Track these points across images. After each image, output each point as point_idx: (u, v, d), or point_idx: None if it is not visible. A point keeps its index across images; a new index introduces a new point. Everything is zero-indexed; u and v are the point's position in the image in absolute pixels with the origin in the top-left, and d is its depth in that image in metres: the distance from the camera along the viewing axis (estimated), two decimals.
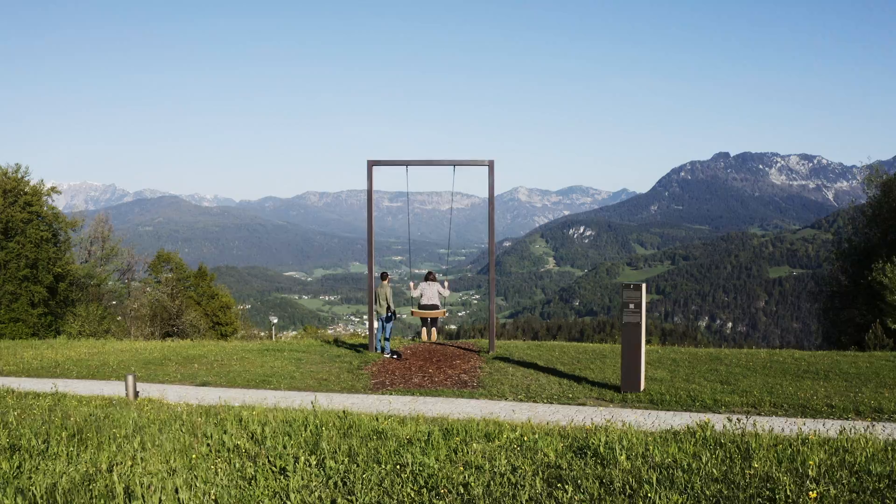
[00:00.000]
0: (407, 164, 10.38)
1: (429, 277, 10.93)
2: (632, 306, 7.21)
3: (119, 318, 28.61)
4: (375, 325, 11.01)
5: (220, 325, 32.72)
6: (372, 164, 10.56)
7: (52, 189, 26.80)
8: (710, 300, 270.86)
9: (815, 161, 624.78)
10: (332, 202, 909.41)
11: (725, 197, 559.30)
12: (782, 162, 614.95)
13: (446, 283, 11.00)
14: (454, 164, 10.44)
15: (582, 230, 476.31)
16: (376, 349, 10.89)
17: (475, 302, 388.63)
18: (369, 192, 10.89)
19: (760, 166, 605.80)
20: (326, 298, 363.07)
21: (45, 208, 25.24)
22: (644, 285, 7.21)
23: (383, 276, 11.23)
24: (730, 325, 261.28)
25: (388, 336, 10.81)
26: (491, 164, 10.41)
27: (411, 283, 11.04)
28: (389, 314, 10.79)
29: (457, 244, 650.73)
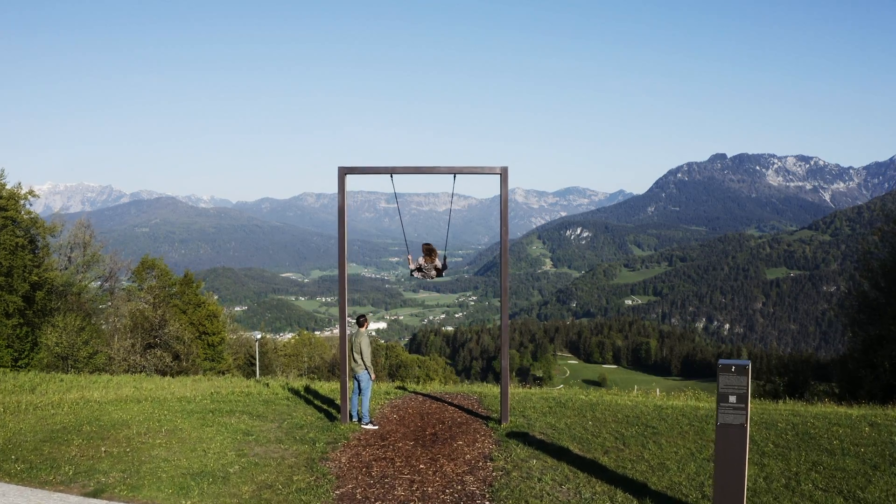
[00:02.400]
0: (392, 171, 7.49)
1: (429, 253, 8.79)
2: (732, 399, 4.68)
3: (105, 323, 26.66)
4: (356, 372, 8.43)
5: (206, 334, 30.40)
6: (344, 172, 7.74)
7: (30, 193, 24.90)
8: (708, 301, 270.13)
9: (812, 162, 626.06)
10: (328, 203, 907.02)
11: (722, 198, 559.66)
12: (779, 163, 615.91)
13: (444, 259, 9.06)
14: (454, 171, 7.73)
15: (579, 231, 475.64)
16: (351, 417, 8.42)
17: (472, 303, 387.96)
18: (340, 205, 8.14)
19: (757, 167, 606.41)
20: (323, 300, 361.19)
21: (22, 213, 23.45)
22: (749, 365, 4.69)
23: (360, 322, 8.69)
24: (727, 326, 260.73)
25: (365, 403, 8.22)
26: (504, 173, 7.71)
27: (409, 257, 9.11)
28: (365, 373, 8.29)
29: (454, 245, 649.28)
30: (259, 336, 23.29)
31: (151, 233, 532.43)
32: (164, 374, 24.08)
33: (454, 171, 7.78)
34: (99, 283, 28.60)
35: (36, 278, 22.52)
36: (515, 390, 10.47)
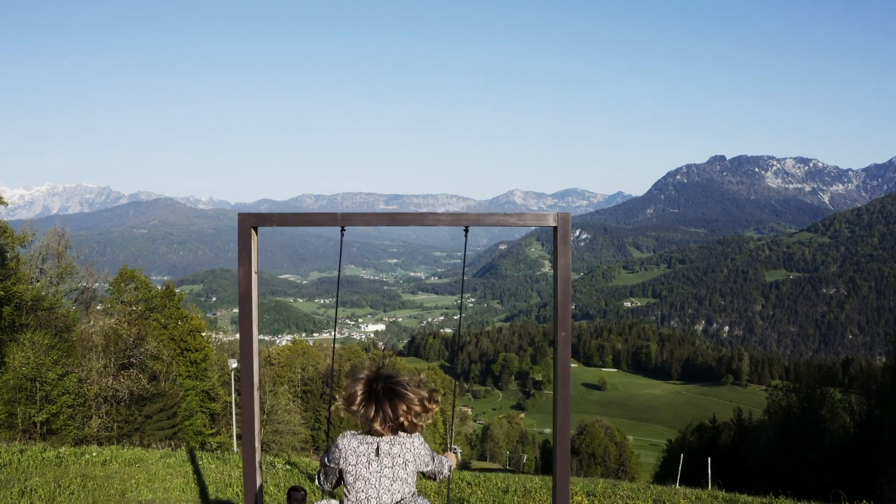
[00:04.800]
0: (343, 222, 3.82)
1: (383, 419, 2.48)
2: None
3: (80, 341, 25.18)
4: None
5: (188, 351, 28.92)
6: (250, 223, 4.05)
7: None
8: (707, 304, 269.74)
9: (811, 164, 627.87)
10: (327, 205, 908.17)
11: (721, 200, 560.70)
12: (778, 165, 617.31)
13: (454, 456, 3.09)
14: (460, 223, 4.07)
15: (577, 233, 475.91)
16: None
17: (471, 305, 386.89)
18: (244, 291, 4.06)
19: (756, 169, 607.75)
20: (321, 301, 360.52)
21: None
22: None
23: (293, 499, 4.53)
24: (726, 328, 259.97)
25: None
26: (562, 224, 4.05)
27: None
28: None
29: (452, 247, 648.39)
30: (235, 364, 21.66)
31: (150, 234, 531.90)
32: (140, 397, 22.66)
33: (462, 223, 4.09)
34: (74, 296, 27.12)
35: (2, 292, 21.24)
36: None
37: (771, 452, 30.48)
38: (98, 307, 27.35)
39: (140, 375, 22.39)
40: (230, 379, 33.07)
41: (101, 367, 22.08)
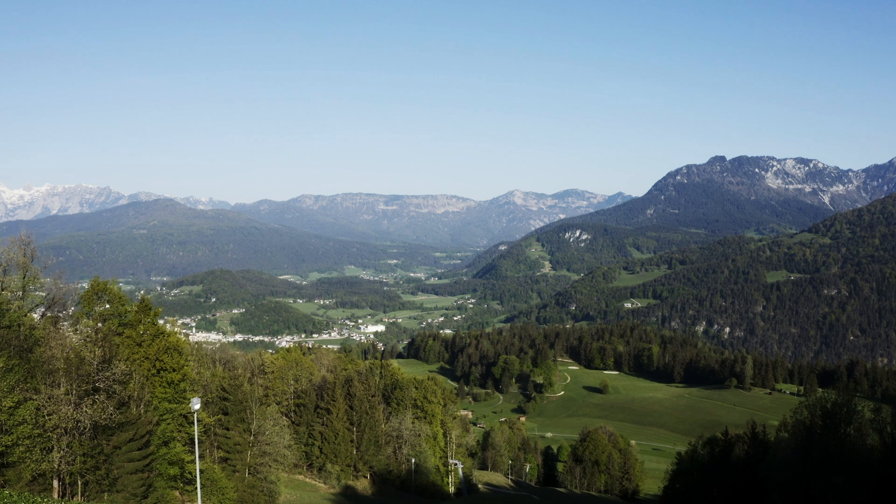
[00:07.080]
0: None
1: None
2: None
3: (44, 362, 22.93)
4: None
5: (165, 371, 26.65)
6: None
7: None
8: (708, 305, 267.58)
9: (812, 165, 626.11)
10: (327, 206, 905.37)
11: (722, 201, 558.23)
12: (778, 166, 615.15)
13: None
14: None
15: (578, 234, 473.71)
16: None
17: (471, 306, 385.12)
18: None
19: (756, 170, 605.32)
20: (321, 302, 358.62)
21: None
22: None
23: None
24: (727, 330, 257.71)
25: None
26: None
27: None
28: None
29: (452, 247, 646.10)
30: (197, 406, 19.19)
31: (149, 234, 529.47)
32: (106, 426, 20.47)
33: None
34: (40, 311, 24.91)
35: None
36: None
37: (791, 473, 28.33)
38: (65, 323, 25.15)
39: (106, 402, 20.21)
40: (211, 398, 30.81)
41: (62, 394, 19.91)
